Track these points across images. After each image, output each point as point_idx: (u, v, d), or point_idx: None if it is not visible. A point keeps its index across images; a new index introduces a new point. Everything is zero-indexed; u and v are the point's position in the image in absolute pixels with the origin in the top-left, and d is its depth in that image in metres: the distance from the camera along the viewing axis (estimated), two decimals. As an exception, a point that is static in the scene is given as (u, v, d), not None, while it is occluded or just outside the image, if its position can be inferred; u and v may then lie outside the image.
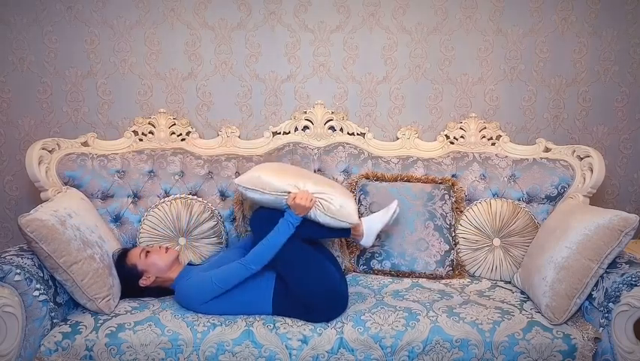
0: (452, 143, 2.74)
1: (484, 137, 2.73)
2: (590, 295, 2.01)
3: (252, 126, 2.77)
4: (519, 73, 2.78)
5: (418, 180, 2.54)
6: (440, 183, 2.52)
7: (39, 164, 2.36)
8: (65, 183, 2.41)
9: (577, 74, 2.78)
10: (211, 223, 2.43)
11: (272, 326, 1.95)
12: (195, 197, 2.49)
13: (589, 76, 2.79)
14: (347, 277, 2.29)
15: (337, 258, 2.35)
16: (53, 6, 2.62)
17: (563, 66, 2.77)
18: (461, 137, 2.74)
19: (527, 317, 2.01)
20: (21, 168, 2.63)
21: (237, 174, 2.55)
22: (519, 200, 2.53)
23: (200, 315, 1.98)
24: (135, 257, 2.11)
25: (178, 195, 2.48)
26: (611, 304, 1.92)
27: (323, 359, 1.91)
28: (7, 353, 1.82)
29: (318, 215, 2.08)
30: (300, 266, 2.00)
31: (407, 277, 2.37)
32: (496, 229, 2.43)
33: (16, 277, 1.82)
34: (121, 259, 2.13)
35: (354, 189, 2.52)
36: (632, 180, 2.90)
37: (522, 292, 2.23)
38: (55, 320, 1.93)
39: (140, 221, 2.44)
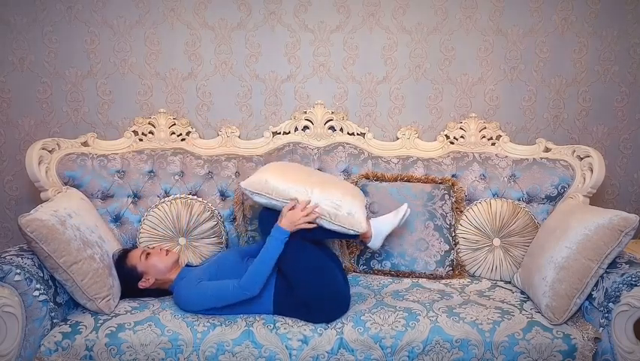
0: (452, 143, 2.74)
1: (484, 137, 2.73)
2: (590, 295, 2.01)
3: (252, 126, 2.77)
4: (519, 73, 2.78)
5: (418, 180, 2.54)
6: (440, 183, 2.52)
7: (39, 164, 2.36)
8: (65, 183, 2.42)
9: (577, 74, 2.78)
10: (211, 223, 2.43)
11: (272, 326, 1.95)
12: (195, 197, 2.49)
13: (589, 76, 2.79)
14: (347, 277, 2.28)
15: (338, 258, 2.35)
16: (53, 6, 2.62)
17: (563, 66, 2.77)
18: (461, 137, 2.74)
19: (527, 317, 2.01)
20: (21, 168, 2.63)
21: (237, 174, 2.56)
22: (519, 200, 2.53)
23: (200, 315, 1.98)
24: (135, 259, 2.11)
25: (178, 195, 2.47)
26: (611, 304, 1.92)
27: (323, 359, 1.91)
28: (7, 353, 1.82)
29: (325, 224, 2.06)
30: (304, 267, 2.00)
31: (407, 277, 2.37)
32: (496, 229, 2.43)
33: (16, 277, 1.82)
34: (121, 260, 2.13)
35: (354, 189, 2.52)
36: (632, 180, 2.90)
37: (522, 292, 2.23)
38: (55, 320, 1.93)
39: (140, 221, 2.44)
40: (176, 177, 2.54)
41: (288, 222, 1.99)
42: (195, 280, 2.02)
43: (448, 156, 2.66)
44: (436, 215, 2.42)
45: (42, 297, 1.88)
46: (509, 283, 2.36)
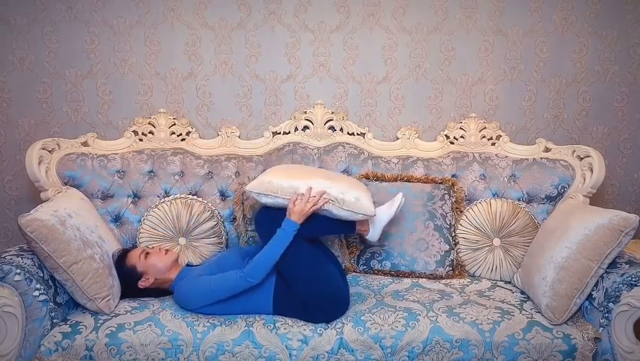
0: (452, 143, 2.74)
1: (484, 137, 2.73)
2: (590, 295, 2.01)
3: (252, 126, 2.77)
4: (519, 73, 2.78)
5: (418, 180, 2.54)
6: (440, 183, 2.52)
7: (39, 164, 2.36)
8: (65, 183, 2.42)
9: (577, 74, 2.78)
10: (211, 223, 2.43)
11: (272, 326, 1.95)
12: (195, 197, 2.49)
13: (589, 76, 2.79)
14: (347, 277, 2.28)
15: (337, 258, 2.35)
16: (53, 6, 2.62)
17: (563, 66, 2.77)
18: (461, 137, 2.74)
19: (527, 317, 2.01)
20: (21, 168, 2.63)
21: (237, 174, 2.56)
22: (519, 200, 2.53)
23: (200, 315, 1.98)
24: (135, 258, 2.11)
25: (178, 195, 2.48)
26: (611, 304, 1.92)
27: (323, 359, 1.91)
28: (7, 353, 1.82)
29: (334, 209, 2.06)
30: (303, 266, 2.00)
31: (407, 277, 2.37)
32: (496, 229, 2.43)
33: (16, 277, 1.82)
34: (121, 260, 2.13)
35: (354, 189, 2.52)
36: (632, 180, 2.90)
37: (522, 292, 2.23)
38: (55, 320, 1.93)
39: (140, 221, 2.44)
40: (176, 177, 2.54)
41: (297, 214, 1.99)
42: (195, 277, 2.03)
43: (448, 156, 2.66)
44: (436, 215, 2.42)
45: (42, 297, 1.88)
46: (509, 283, 2.36)
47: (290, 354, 1.90)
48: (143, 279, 2.09)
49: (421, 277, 2.36)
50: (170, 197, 2.47)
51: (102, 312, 1.98)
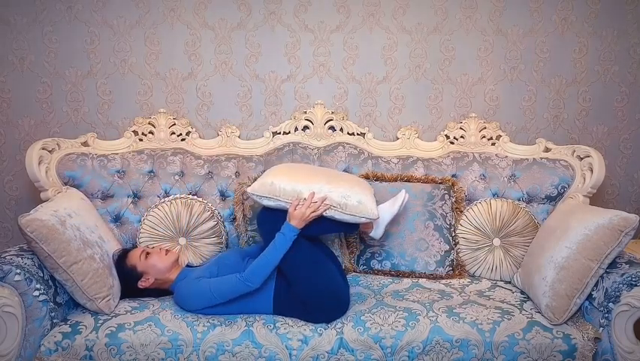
0: (452, 143, 2.74)
1: (484, 137, 2.73)
2: (590, 295, 2.01)
3: (252, 126, 2.77)
4: (519, 73, 2.78)
5: (418, 180, 2.54)
6: (440, 183, 2.52)
7: (39, 164, 2.36)
8: (65, 183, 2.42)
9: (577, 74, 2.78)
10: (211, 223, 2.43)
11: (272, 326, 1.95)
12: (195, 197, 2.49)
13: (589, 76, 2.79)
14: (347, 277, 2.28)
15: (337, 258, 2.35)
16: (53, 6, 2.62)
17: (563, 66, 2.77)
18: (461, 137, 2.74)
19: (527, 317, 2.01)
20: (21, 168, 2.63)
21: (237, 174, 2.56)
22: (519, 200, 2.53)
23: (200, 315, 1.98)
24: (135, 258, 2.11)
25: (178, 195, 2.47)
26: (611, 304, 1.92)
27: (323, 359, 1.91)
28: (7, 353, 1.82)
29: (336, 215, 2.05)
30: (303, 266, 2.00)
31: (407, 277, 2.37)
32: (496, 229, 2.43)
33: (16, 277, 1.82)
34: (121, 260, 2.13)
35: (354, 189, 2.52)
36: (632, 180, 2.90)
37: (522, 292, 2.23)
38: (55, 320, 1.93)
39: (140, 221, 2.44)
40: (176, 177, 2.54)
41: (297, 219, 1.99)
42: (196, 279, 2.03)
43: (448, 156, 2.66)
44: (436, 215, 2.42)
45: (42, 297, 1.88)
46: (509, 283, 2.36)
47: (290, 354, 1.90)
48: (143, 279, 2.09)
49: (421, 277, 2.36)
50: (170, 197, 2.47)
51: (102, 312, 1.98)
